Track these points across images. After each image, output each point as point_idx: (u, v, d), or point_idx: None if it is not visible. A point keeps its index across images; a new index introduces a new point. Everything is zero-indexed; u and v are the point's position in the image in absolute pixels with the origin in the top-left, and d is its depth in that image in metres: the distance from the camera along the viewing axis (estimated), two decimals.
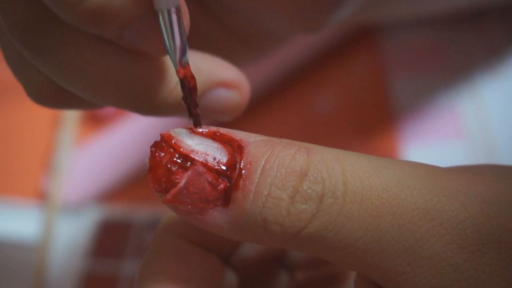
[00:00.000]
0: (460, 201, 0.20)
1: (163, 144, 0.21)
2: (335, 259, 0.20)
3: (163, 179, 0.20)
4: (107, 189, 0.49)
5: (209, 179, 0.20)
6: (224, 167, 0.21)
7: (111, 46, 0.23)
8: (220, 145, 0.21)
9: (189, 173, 0.20)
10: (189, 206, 0.20)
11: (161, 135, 0.21)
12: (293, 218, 0.20)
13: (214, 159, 0.21)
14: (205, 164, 0.21)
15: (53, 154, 0.51)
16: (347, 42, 0.53)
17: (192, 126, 0.22)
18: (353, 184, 0.20)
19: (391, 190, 0.20)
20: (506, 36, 0.51)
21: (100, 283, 0.45)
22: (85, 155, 0.51)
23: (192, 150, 0.21)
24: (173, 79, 0.25)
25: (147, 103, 0.24)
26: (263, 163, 0.20)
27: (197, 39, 0.27)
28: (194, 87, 0.22)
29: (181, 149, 0.21)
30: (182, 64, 0.22)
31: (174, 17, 0.21)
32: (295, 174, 0.20)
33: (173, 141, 0.21)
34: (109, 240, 0.47)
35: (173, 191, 0.20)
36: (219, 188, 0.20)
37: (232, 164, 0.21)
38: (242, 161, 0.21)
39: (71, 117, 0.53)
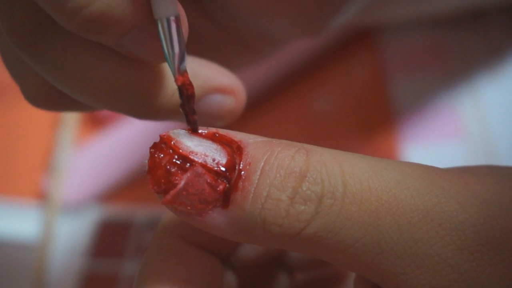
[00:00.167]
0: (460, 202, 0.20)
1: (162, 145, 0.21)
2: (335, 260, 0.20)
3: (162, 180, 0.20)
4: (107, 189, 0.49)
5: (209, 180, 0.20)
6: (223, 168, 0.21)
7: (110, 52, 0.23)
8: (219, 146, 0.21)
9: (188, 174, 0.20)
10: (188, 207, 0.21)
11: (160, 136, 0.21)
12: (292, 219, 0.20)
13: (214, 160, 0.21)
14: (204, 165, 0.21)
15: (53, 154, 0.51)
16: (347, 43, 0.53)
17: (188, 125, 0.22)
18: (352, 185, 0.20)
19: (391, 191, 0.20)
20: (506, 37, 0.51)
21: (100, 283, 0.45)
22: (85, 155, 0.51)
23: (192, 151, 0.21)
24: (170, 85, 0.25)
25: (144, 108, 0.24)
26: (262, 164, 0.20)
27: (197, 42, 0.28)
28: (192, 95, 0.22)
29: (180, 150, 0.21)
30: (181, 72, 0.22)
31: (173, 26, 0.21)
32: (294, 175, 0.20)
33: (172, 142, 0.21)
34: (109, 240, 0.47)
35: (172, 192, 0.20)
36: (218, 189, 0.20)
37: (231, 165, 0.21)
38: (241, 162, 0.21)
39: (71, 117, 0.53)
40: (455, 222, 0.20)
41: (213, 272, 0.24)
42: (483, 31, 0.52)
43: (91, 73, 0.23)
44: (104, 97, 0.24)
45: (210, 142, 0.21)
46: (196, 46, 0.27)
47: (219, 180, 0.21)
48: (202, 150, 0.21)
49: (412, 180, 0.20)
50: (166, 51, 0.22)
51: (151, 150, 0.21)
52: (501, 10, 0.52)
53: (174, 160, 0.21)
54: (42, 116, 0.53)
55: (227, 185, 0.20)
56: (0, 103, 0.54)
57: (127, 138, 0.50)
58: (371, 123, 0.49)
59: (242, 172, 0.20)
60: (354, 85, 0.52)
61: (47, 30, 0.22)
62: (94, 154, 0.51)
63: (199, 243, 0.24)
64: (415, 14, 0.51)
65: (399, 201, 0.20)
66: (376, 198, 0.20)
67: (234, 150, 0.21)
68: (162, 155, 0.21)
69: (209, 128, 0.22)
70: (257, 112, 0.51)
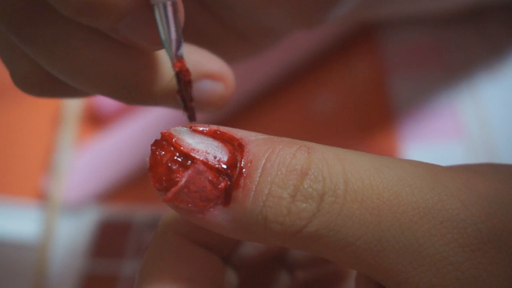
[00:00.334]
0: (461, 200, 0.20)
1: (163, 142, 0.21)
2: (336, 258, 0.20)
3: (164, 178, 0.20)
4: (107, 189, 0.49)
5: (210, 178, 0.20)
6: (224, 166, 0.21)
7: (103, 36, 0.22)
8: (220, 144, 0.21)
9: (189, 171, 0.20)
10: (190, 205, 0.20)
11: (161, 133, 0.21)
12: (294, 217, 0.20)
13: (215, 157, 0.21)
14: (205, 163, 0.21)
15: (53, 154, 0.51)
16: (347, 42, 0.53)
17: (189, 122, 0.22)
18: (354, 183, 0.20)
19: (392, 189, 0.20)
20: (506, 36, 0.51)
21: (100, 283, 0.45)
22: (85, 155, 0.51)
23: (193, 149, 0.21)
24: (163, 71, 0.25)
25: (136, 93, 0.24)
26: (263, 161, 0.20)
27: (195, 34, 0.27)
28: (190, 81, 0.22)
29: (182, 148, 0.21)
30: (178, 58, 0.22)
31: (170, 11, 0.21)
32: (296, 173, 0.20)
33: (173, 140, 0.21)
34: (109, 240, 0.47)
35: (173, 189, 0.20)
36: (219, 186, 0.20)
37: (232, 163, 0.21)
38: (242, 159, 0.21)
39: (71, 117, 0.53)
40: (457, 220, 0.20)
41: (214, 270, 0.24)
42: (483, 30, 0.52)
43: (82, 57, 0.23)
44: (95, 81, 0.23)
45: (211, 139, 0.21)
46: (194, 38, 0.27)
47: (220, 178, 0.21)
48: (204, 147, 0.21)
49: (413, 177, 0.20)
50: (163, 36, 0.22)
51: (152, 147, 0.21)
52: (501, 9, 0.52)
53: (175, 158, 0.21)
54: (42, 116, 0.53)
55: (229, 182, 0.20)
56: (0, 103, 0.54)
57: (127, 138, 0.50)
58: (371, 122, 0.49)
59: (244, 170, 0.20)
60: (354, 84, 0.52)
61: (38, 12, 0.22)
62: (94, 154, 0.51)
63: (200, 241, 0.24)
64: (415, 12, 0.52)
65: (400, 199, 0.20)
66: (378, 195, 0.20)
67: (236, 147, 0.21)
68: (163, 153, 0.21)
69: (210, 125, 0.22)
70: (257, 111, 0.51)
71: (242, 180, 0.20)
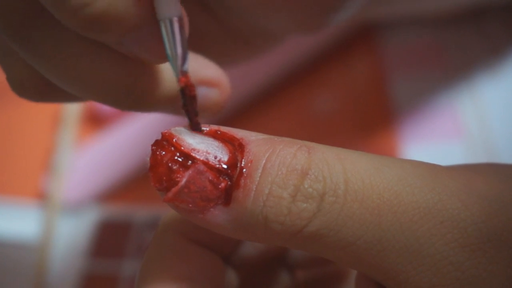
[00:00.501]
0: (462, 200, 0.20)
1: (164, 142, 0.21)
2: (336, 257, 0.20)
3: (164, 178, 0.20)
4: (107, 189, 0.49)
5: (210, 178, 0.20)
6: (225, 166, 0.21)
7: (103, 45, 0.22)
8: (221, 144, 0.21)
9: (190, 171, 0.20)
10: (190, 205, 0.20)
11: (162, 133, 0.21)
12: (294, 217, 0.20)
13: (215, 157, 0.21)
14: (206, 163, 0.21)
15: (53, 154, 0.51)
16: (347, 42, 0.53)
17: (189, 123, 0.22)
18: (354, 183, 0.20)
19: (392, 188, 0.20)
20: (506, 36, 0.51)
21: (100, 283, 0.45)
22: (85, 155, 0.51)
23: (193, 149, 0.21)
24: (161, 79, 0.25)
25: (135, 101, 0.24)
26: (264, 161, 0.20)
27: (195, 37, 0.27)
28: (195, 96, 0.22)
29: (182, 148, 0.21)
30: (183, 73, 0.22)
31: (176, 26, 0.21)
32: (296, 173, 0.20)
33: (174, 140, 0.21)
34: (109, 240, 0.47)
35: (174, 189, 0.20)
36: (220, 186, 0.20)
37: (233, 163, 0.21)
38: (243, 159, 0.21)
39: (71, 117, 0.53)
40: (457, 220, 0.20)
41: (214, 270, 0.24)
42: (483, 30, 0.52)
43: (81, 64, 0.23)
44: (93, 89, 0.23)
45: (211, 139, 0.21)
46: (194, 40, 0.27)
47: (220, 178, 0.21)
48: (204, 147, 0.21)
49: (413, 177, 0.20)
50: (168, 51, 0.22)
51: (153, 147, 0.21)
52: (501, 9, 0.52)
53: (175, 158, 0.21)
54: (42, 116, 0.53)
55: (229, 182, 0.20)
56: (0, 103, 0.54)
57: (127, 138, 0.50)
58: (371, 122, 0.49)
59: (244, 170, 0.20)
60: (354, 84, 0.52)
61: (37, 18, 0.22)
62: (94, 154, 0.51)
63: (201, 241, 0.24)
64: (415, 12, 0.52)
65: (400, 199, 0.20)
66: (378, 195, 0.20)
67: (236, 147, 0.21)
68: (163, 153, 0.21)
69: (211, 125, 0.22)
70: (258, 111, 0.51)
71: (243, 180, 0.20)
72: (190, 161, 0.21)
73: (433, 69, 0.51)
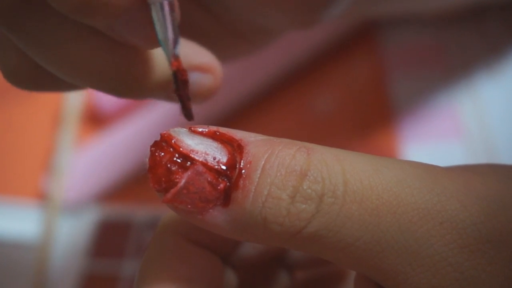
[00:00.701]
0: (460, 201, 0.20)
1: (163, 143, 0.21)
2: (335, 258, 0.20)
3: (163, 179, 0.20)
4: (107, 189, 0.49)
5: (209, 179, 0.20)
6: (224, 167, 0.21)
7: (95, 30, 0.22)
8: (220, 145, 0.21)
9: (189, 172, 0.20)
10: (189, 206, 0.20)
11: (161, 134, 0.21)
12: (293, 218, 0.20)
13: (214, 158, 0.21)
14: (205, 164, 0.21)
15: (53, 154, 0.51)
16: (347, 42, 0.53)
17: (188, 123, 0.22)
18: (353, 184, 0.20)
19: (391, 189, 0.20)
20: (506, 35, 0.51)
21: (100, 283, 0.45)
22: (85, 155, 0.51)
23: (192, 150, 0.21)
24: (154, 64, 0.25)
25: (128, 87, 0.24)
26: (263, 162, 0.20)
27: (191, 32, 0.27)
28: (186, 80, 0.22)
29: (181, 149, 0.21)
30: (175, 57, 0.22)
31: (167, 10, 0.21)
32: (295, 174, 0.20)
33: (173, 141, 0.21)
34: (109, 240, 0.47)
35: (173, 190, 0.20)
36: (219, 187, 0.20)
37: (232, 164, 0.21)
38: (242, 160, 0.20)
39: (71, 117, 0.53)
40: (456, 221, 0.20)
41: (213, 271, 0.24)
42: (482, 29, 0.52)
43: (74, 50, 0.23)
44: (86, 74, 0.23)
45: (210, 140, 0.21)
46: (190, 35, 0.27)
47: (219, 179, 0.21)
48: (203, 148, 0.21)
49: (413, 178, 0.20)
50: (160, 36, 0.22)
51: (152, 148, 0.21)
52: (500, 9, 0.52)
53: (174, 159, 0.20)
54: (42, 116, 0.53)
55: (228, 183, 0.20)
56: (0, 103, 0.54)
57: (127, 138, 0.50)
58: (371, 122, 0.50)
59: (243, 171, 0.20)
60: (354, 84, 0.52)
61: (28, 3, 0.22)
62: (94, 154, 0.51)
63: (200, 242, 0.24)
64: (414, 11, 0.52)
65: (399, 200, 0.20)
66: (377, 196, 0.20)
67: (235, 148, 0.21)
68: (162, 154, 0.21)
69: (210, 126, 0.22)
70: (257, 111, 0.51)
71: (242, 181, 0.20)
72: (189, 162, 0.21)
73: (433, 69, 0.51)
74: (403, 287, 0.20)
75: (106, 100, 0.52)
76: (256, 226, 0.20)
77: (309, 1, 0.27)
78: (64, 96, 0.54)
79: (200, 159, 0.21)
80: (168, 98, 0.26)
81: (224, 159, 0.21)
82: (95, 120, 0.53)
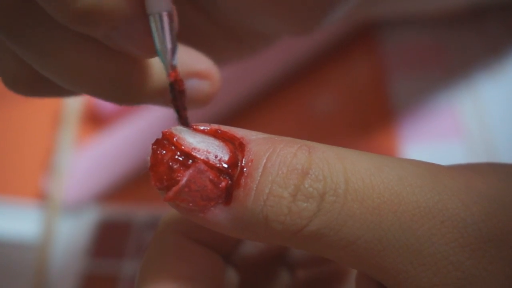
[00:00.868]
0: (462, 200, 0.20)
1: (164, 141, 0.21)
2: (337, 257, 0.20)
3: (165, 177, 0.20)
4: (107, 189, 0.49)
5: (211, 177, 0.20)
6: (225, 165, 0.21)
7: (94, 39, 0.22)
8: (221, 143, 0.21)
9: (190, 171, 0.20)
10: (191, 204, 0.20)
11: (162, 132, 0.21)
12: (295, 216, 0.20)
13: (216, 157, 0.21)
14: (206, 162, 0.21)
15: (53, 154, 0.51)
16: (347, 42, 0.53)
17: (193, 124, 0.22)
18: (354, 182, 0.20)
19: (393, 188, 0.20)
20: (506, 35, 0.51)
21: (100, 283, 0.45)
22: (85, 155, 0.51)
23: (194, 148, 0.21)
24: (152, 71, 0.25)
25: (127, 94, 0.24)
26: (264, 161, 0.20)
27: (188, 35, 0.28)
28: (184, 90, 0.22)
29: (183, 147, 0.21)
30: (172, 68, 0.22)
31: (166, 21, 0.21)
32: (296, 172, 0.20)
33: (174, 139, 0.21)
34: (109, 240, 0.47)
35: (174, 188, 0.20)
36: (220, 186, 0.20)
37: (233, 162, 0.21)
38: (243, 159, 0.20)
39: (71, 117, 0.53)
40: (457, 220, 0.20)
41: (214, 269, 0.24)
42: (482, 30, 0.52)
43: (72, 58, 0.23)
44: (84, 82, 0.23)
45: (212, 138, 0.21)
46: (188, 39, 0.27)
47: (221, 177, 0.21)
48: (204, 146, 0.21)
49: (414, 177, 0.20)
50: (158, 46, 0.22)
51: (153, 146, 0.21)
52: (500, 9, 0.52)
53: (176, 157, 0.20)
54: (42, 116, 0.53)
55: (229, 181, 0.20)
56: (0, 103, 0.54)
57: (127, 138, 0.50)
58: (371, 122, 0.50)
59: (244, 169, 0.20)
60: (354, 84, 0.52)
61: (27, 11, 0.22)
62: (94, 154, 0.51)
63: (201, 240, 0.24)
64: (414, 11, 0.52)
65: (401, 199, 0.20)
66: (378, 195, 0.20)
67: (236, 146, 0.21)
68: (164, 152, 0.21)
69: (211, 124, 0.22)
70: (258, 110, 0.51)
71: (243, 179, 0.20)
72: (190, 160, 0.21)
73: (433, 69, 0.51)
74: (404, 286, 0.20)
75: None
76: (258, 224, 0.20)
77: (307, 10, 0.27)
78: None
79: (202, 157, 0.21)
80: (165, 104, 0.26)
81: (226, 157, 0.21)
82: (95, 120, 0.53)
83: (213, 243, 0.24)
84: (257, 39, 0.30)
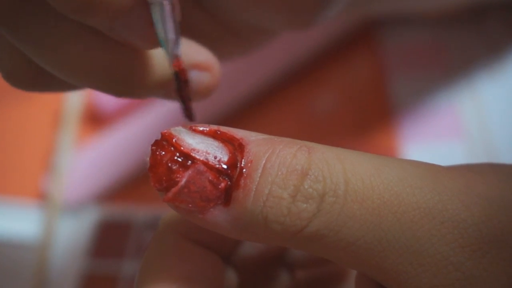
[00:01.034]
0: (462, 200, 0.20)
1: (164, 142, 0.21)
2: (336, 258, 0.20)
3: (164, 178, 0.20)
4: (107, 189, 0.49)
5: (210, 178, 0.20)
6: (225, 166, 0.21)
7: (94, 29, 0.22)
8: (221, 144, 0.21)
9: (190, 171, 0.20)
10: (190, 205, 0.20)
11: (162, 133, 0.21)
12: (294, 217, 0.20)
13: (215, 157, 0.21)
14: (206, 163, 0.21)
15: (53, 154, 0.51)
16: (347, 41, 0.53)
17: (189, 122, 0.22)
18: (354, 183, 0.20)
19: (393, 189, 0.20)
20: (506, 35, 0.51)
21: (100, 283, 0.45)
22: (85, 155, 0.51)
23: (193, 149, 0.21)
24: (153, 63, 0.25)
25: (127, 87, 0.24)
26: (264, 161, 0.20)
27: (187, 30, 0.27)
28: (187, 80, 0.22)
29: (182, 148, 0.21)
30: (176, 57, 0.22)
31: (168, 10, 0.21)
32: (296, 173, 0.20)
33: (174, 140, 0.21)
34: (109, 240, 0.47)
35: (174, 189, 0.20)
36: (220, 187, 0.20)
37: (233, 163, 0.21)
38: (243, 159, 0.20)
39: (71, 117, 0.53)
40: (457, 220, 0.20)
41: (214, 270, 0.24)
42: (483, 29, 0.52)
43: (72, 49, 0.22)
44: (84, 74, 0.23)
45: (211, 139, 0.21)
46: (186, 34, 0.27)
47: (220, 178, 0.20)
48: (204, 147, 0.21)
49: (414, 178, 0.20)
50: (160, 36, 0.22)
51: (153, 147, 0.21)
52: (501, 9, 0.52)
53: (175, 158, 0.20)
54: (42, 116, 0.53)
55: (229, 182, 0.20)
56: (1, 104, 0.54)
57: (127, 138, 0.50)
58: (371, 121, 0.50)
59: (244, 170, 0.20)
60: (354, 84, 0.52)
61: (29, 3, 0.22)
62: (94, 154, 0.51)
63: (200, 241, 0.23)
64: (414, 11, 0.52)
65: (401, 199, 0.20)
66: (378, 196, 0.20)
67: (236, 147, 0.21)
68: (163, 153, 0.21)
69: (210, 125, 0.22)
70: (258, 111, 0.51)
71: (243, 180, 0.20)
72: (190, 161, 0.20)
73: (433, 69, 0.51)
74: (404, 286, 0.20)
75: (106, 100, 0.52)
76: (257, 225, 0.20)
77: (304, 4, 0.27)
78: (64, 96, 0.54)
79: (201, 158, 0.21)
80: (166, 96, 0.26)
81: (225, 158, 0.21)
82: (95, 120, 0.53)
83: (212, 244, 0.24)
84: (255, 34, 0.30)
